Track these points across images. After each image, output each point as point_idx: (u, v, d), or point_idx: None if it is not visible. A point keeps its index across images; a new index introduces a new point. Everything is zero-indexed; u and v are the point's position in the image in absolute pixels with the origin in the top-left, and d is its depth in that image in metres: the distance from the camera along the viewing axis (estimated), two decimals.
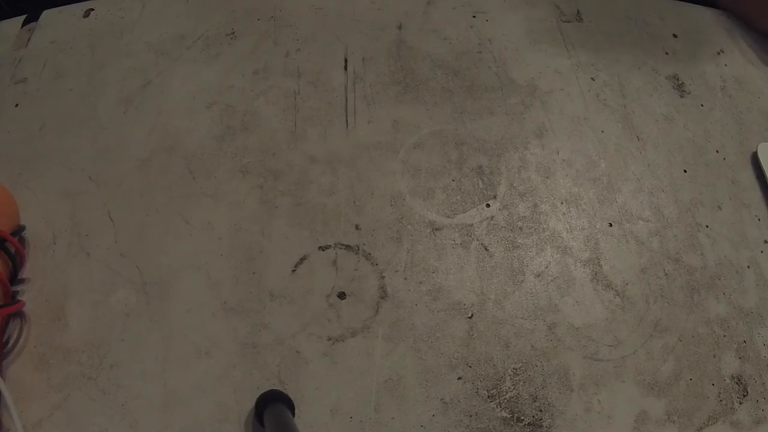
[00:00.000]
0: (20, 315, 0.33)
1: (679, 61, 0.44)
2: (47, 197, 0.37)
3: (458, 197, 0.36)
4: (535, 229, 0.36)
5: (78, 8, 0.45)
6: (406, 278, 0.34)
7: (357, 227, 0.35)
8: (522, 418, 0.31)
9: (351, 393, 0.31)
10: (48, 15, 0.45)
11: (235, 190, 0.37)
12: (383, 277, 0.34)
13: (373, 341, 0.32)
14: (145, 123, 0.39)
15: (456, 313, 0.33)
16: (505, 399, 0.31)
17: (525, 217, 0.36)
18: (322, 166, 0.37)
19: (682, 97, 0.42)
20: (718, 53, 0.45)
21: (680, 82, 0.42)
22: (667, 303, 0.34)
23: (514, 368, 0.32)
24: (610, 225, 0.36)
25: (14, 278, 0.34)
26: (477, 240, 0.35)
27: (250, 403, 0.30)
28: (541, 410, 0.31)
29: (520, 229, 0.36)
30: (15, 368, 0.32)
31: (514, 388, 0.31)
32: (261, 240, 0.35)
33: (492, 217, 0.36)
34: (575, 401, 0.31)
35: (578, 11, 0.44)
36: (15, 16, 0.46)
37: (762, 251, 0.35)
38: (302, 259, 0.35)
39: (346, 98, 0.39)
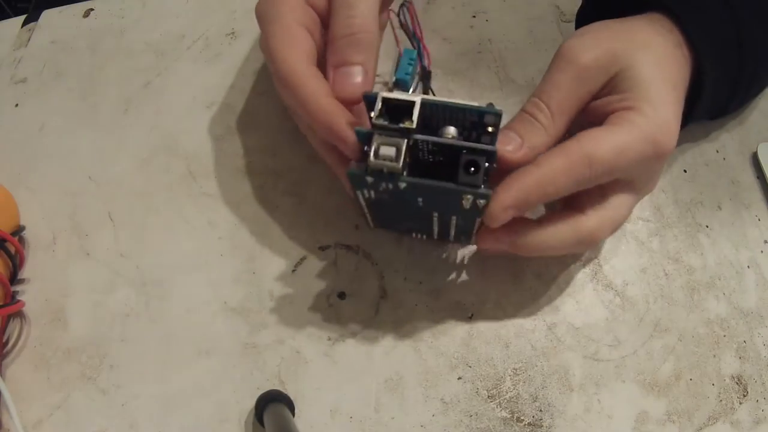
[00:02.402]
0: (20, 315, 0.33)
1: None
2: (47, 197, 0.37)
3: None
4: None
5: (78, 8, 0.45)
6: (406, 278, 0.34)
7: (357, 227, 0.35)
8: (522, 418, 0.31)
9: (351, 393, 0.31)
10: (48, 15, 0.45)
11: (235, 190, 0.37)
12: (383, 277, 0.34)
13: (373, 341, 0.32)
14: (145, 123, 0.39)
15: (456, 313, 0.33)
16: (505, 399, 0.31)
17: None
18: (322, 166, 0.37)
19: None
20: None
21: None
22: (667, 303, 0.34)
23: (514, 368, 0.32)
24: None
25: (14, 278, 0.34)
26: None
27: (250, 403, 0.30)
28: (541, 410, 0.31)
29: None
30: (15, 368, 0.32)
31: (514, 388, 0.31)
32: (261, 240, 0.35)
33: None
34: (575, 401, 0.31)
35: None
36: (15, 16, 0.46)
37: (762, 251, 0.35)
38: (302, 259, 0.35)
39: None
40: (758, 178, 0.37)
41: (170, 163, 0.38)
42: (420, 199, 0.27)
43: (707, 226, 0.36)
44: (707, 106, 0.33)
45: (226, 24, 0.43)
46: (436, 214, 0.29)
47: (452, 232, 0.31)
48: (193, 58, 0.42)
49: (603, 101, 0.29)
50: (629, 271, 0.34)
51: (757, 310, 0.34)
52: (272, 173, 0.37)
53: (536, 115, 0.28)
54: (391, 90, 0.29)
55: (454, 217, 0.29)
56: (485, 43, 0.42)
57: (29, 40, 0.44)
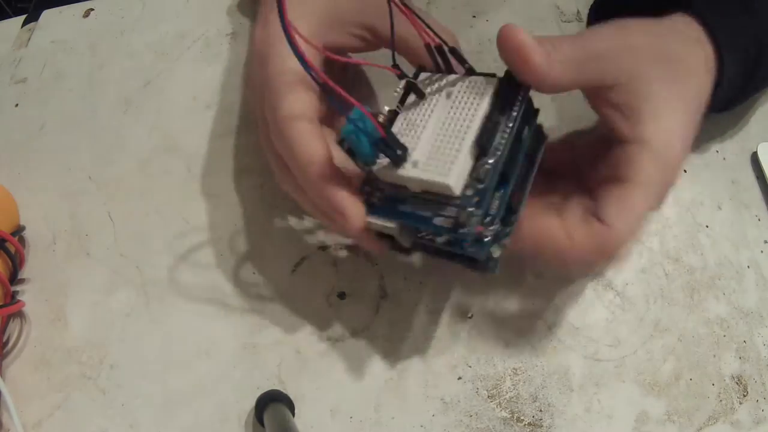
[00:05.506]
0: (20, 315, 0.33)
1: None
2: (47, 197, 0.37)
3: None
4: None
5: (78, 8, 0.45)
6: (406, 278, 0.34)
7: None
8: (522, 418, 0.31)
9: (351, 393, 0.31)
10: (48, 15, 0.45)
11: (235, 190, 0.37)
12: (383, 277, 0.34)
13: (373, 341, 0.32)
14: (145, 123, 0.39)
15: (456, 313, 0.33)
16: (505, 399, 0.31)
17: None
18: None
19: None
20: None
21: None
22: (667, 303, 0.34)
23: (514, 368, 0.32)
24: None
25: (14, 278, 0.34)
26: None
27: (250, 403, 0.30)
28: (541, 410, 0.31)
29: None
30: (15, 368, 0.32)
31: (514, 388, 0.31)
32: (261, 240, 0.35)
33: None
34: (575, 401, 0.31)
35: (578, 11, 0.44)
36: (15, 15, 0.46)
37: (762, 251, 0.35)
38: (302, 259, 0.35)
39: None
40: (758, 178, 0.37)
41: (170, 163, 0.38)
42: None
43: (707, 226, 0.36)
44: (718, 103, 0.33)
45: (226, 24, 0.43)
46: None
47: None
48: (193, 58, 0.42)
49: (611, 118, 0.28)
50: (629, 271, 0.34)
51: (757, 310, 0.34)
52: (272, 173, 0.37)
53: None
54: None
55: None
56: (485, 43, 0.42)
57: (29, 40, 0.44)
